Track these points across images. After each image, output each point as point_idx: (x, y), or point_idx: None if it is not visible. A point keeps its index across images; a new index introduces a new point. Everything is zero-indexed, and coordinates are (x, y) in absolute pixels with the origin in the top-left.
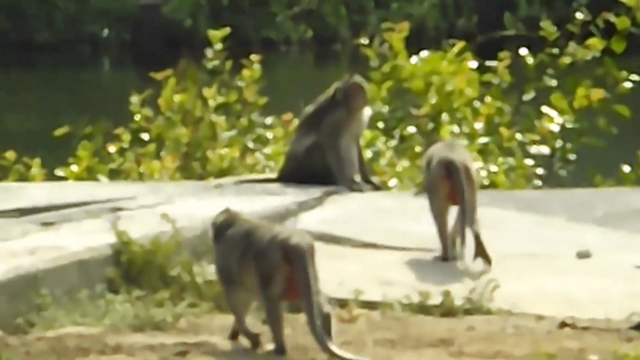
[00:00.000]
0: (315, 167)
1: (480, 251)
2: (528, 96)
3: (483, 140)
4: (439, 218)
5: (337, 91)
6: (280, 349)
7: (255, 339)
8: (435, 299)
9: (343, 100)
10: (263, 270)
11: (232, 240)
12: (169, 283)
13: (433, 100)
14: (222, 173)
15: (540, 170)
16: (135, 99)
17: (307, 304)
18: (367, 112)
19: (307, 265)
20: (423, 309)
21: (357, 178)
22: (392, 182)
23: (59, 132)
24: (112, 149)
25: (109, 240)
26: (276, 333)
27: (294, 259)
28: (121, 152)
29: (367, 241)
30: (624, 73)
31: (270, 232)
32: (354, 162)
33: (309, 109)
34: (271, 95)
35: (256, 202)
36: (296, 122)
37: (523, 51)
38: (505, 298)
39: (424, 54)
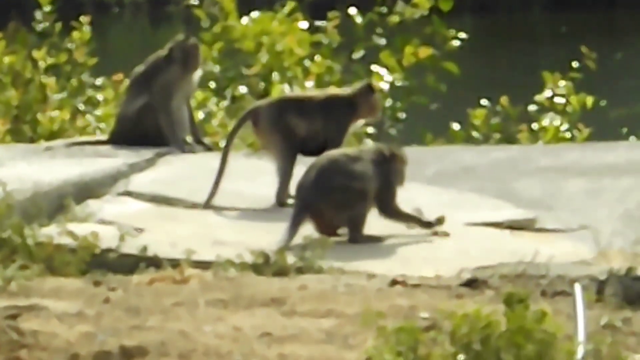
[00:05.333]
0: (147, 128)
1: None
2: (357, 55)
3: None
4: None
5: (172, 51)
6: None
7: None
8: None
9: (181, 60)
10: None
11: None
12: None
13: (264, 59)
14: (52, 135)
15: (370, 129)
16: None
17: None
18: (198, 73)
19: None
20: (255, 268)
21: (189, 139)
22: (224, 142)
23: None
24: None
25: None
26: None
27: None
28: None
29: (199, 202)
30: (452, 31)
31: None
32: (186, 123)
33: (139, 69)
34: (104, 57)
35: (87, 165)
36: (127, 82)
37: (352, 10)
38: (338, 256)
39: (255, 14)
